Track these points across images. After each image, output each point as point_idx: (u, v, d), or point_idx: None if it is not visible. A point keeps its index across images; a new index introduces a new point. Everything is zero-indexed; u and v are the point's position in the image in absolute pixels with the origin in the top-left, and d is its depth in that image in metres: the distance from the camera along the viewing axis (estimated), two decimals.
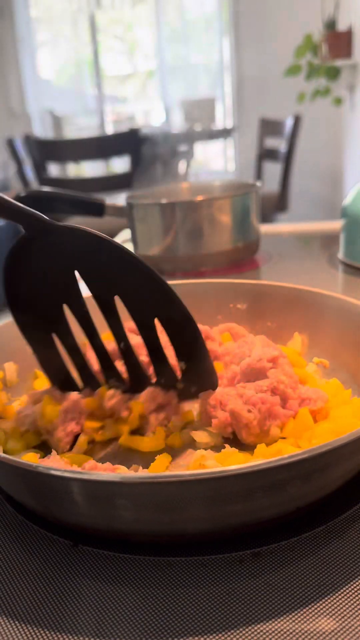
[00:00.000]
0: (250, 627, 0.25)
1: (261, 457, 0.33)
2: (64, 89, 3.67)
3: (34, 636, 0.25)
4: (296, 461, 0.26)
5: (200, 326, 0.38)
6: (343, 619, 0.25)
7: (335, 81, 2.51)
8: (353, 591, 0.27)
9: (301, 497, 0.29)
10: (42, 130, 3.55)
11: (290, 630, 0.25)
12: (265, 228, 1.01)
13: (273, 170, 2.56)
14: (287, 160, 2.36)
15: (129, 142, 2.18)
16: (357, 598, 0.26)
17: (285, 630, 0.25)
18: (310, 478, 0.28)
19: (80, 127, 3.61)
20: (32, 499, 0.32)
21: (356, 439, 0.28)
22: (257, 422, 0.35)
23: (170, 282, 0.36)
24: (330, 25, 2.44)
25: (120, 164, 3.09)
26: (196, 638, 0.25)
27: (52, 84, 3.63)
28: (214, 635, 0.25)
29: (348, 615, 0.25)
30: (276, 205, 2.40)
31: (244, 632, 0.25)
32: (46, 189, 0.87)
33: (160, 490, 0.27)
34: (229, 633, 0.25)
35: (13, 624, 0.26)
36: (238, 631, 0.25)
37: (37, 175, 2.24)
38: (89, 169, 3.42)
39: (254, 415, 0.35)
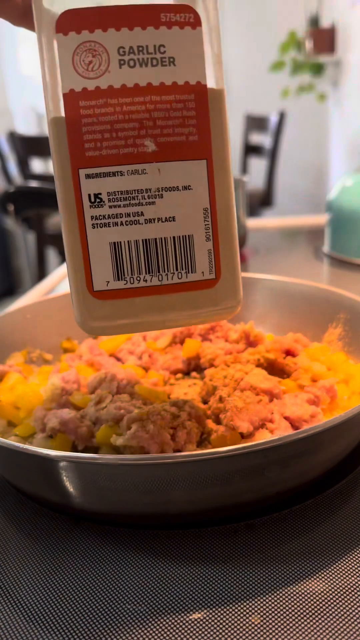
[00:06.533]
0: (242, 592, 0.26)
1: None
2: None
3: (42, 605, 0.26)
4: (272, 447, 0.27)
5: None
6: (331, 581, 0.27)
7: (319, 77, 2.53)
8: (341, 555, 0.28)
9: (281, 482, 0.31)
10: (26, 127, 3.52)
11: (283, 593, 0.26)
12: (251, 223, 1.02)
13: (258, 165, 2.58)
14: (273, 155, 2.37)
15: None
16: (344, 561, 0.28)
17: (278, 592, 0.26)
18: (288, 464, 0.29)
19: None
20: (17, 478, 0.33)
21: (333, 426, 0.29)
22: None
23: None
24: (314, 21, 2.45)
25: None
26: (194, 603, 0.26)
27: (34, 81, 3.60)
28: (211, 599, 0.26)
29: (336, 578, 0.27)
30: (262, 201, 2.41)
31: (237, 597, 0.26)
32: (34, 184, 0.88)
33: (140, 472, 0.28)
34: (224, 598, 0.26)
35: (17, 600, 0.27)
36: (232, 596, 0.26)
37: (21, 171, 2.23)
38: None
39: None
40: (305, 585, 0.27)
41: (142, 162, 0.26)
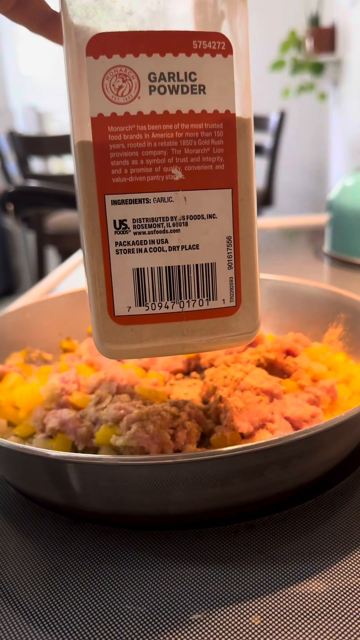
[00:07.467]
0: (242, 593, 0.26)
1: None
2: (46, 85, 3.65)
3: (40, 609, 0.26)
4: (272, 447, 0.27)
5: None
6: (332, 581, 0.27)
7: (319, 76, 2.53)
8: (341, 556, 0.28)
9: (281, 482, 0.31)
10: (25, 127, 3.52)
11: (283, 593, 0.26)
12: None
13: (258, 165, 2.58)
14: (273, 155, 2.37)
15: None
16: (344, 562, 0.28)
17: (278, 593, 0.26)
18: (288, 464, 0.29)
19: (63, 124, 3.59)
20: (17, 478, 0.33)
21: (334, 426, 0.29)
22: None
23: None
24: (314, 21, 2.45)
25: None
26: (193, 603, 0.26)
27: (34, 80, 3.60)
28: (211, 599, 0.26)
29: (336, 578, 0.27)
30: (262, 200, 2.41)
31: (237, 597, 0.26)
32: (34, 183, 0.87)
33: (140, 472, 0.28)
34: (224, 599, 0.26)
35: (17, 602, 0.27)
36: (232, 597, 0.26)
37: (21, 170, 2.23)
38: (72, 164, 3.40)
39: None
40: (305, 585, 0.27)
41: (169, 190, 0.26)
